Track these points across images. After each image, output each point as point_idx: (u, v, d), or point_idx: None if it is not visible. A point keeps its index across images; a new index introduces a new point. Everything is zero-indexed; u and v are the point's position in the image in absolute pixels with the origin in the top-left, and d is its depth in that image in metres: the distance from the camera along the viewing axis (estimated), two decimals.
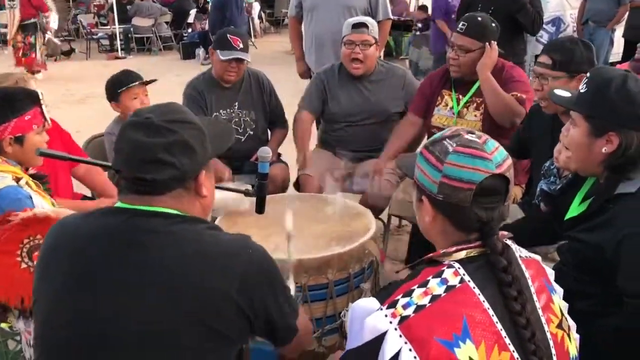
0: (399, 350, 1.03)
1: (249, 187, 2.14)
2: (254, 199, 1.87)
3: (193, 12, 12.67)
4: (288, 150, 3.33)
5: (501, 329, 1.09)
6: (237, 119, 3.14)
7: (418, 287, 1.10)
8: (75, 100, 7.79)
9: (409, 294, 1.09)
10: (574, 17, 6.91)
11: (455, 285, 1.10)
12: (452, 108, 2.80)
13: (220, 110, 3.12)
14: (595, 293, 1.60)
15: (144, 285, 1.11)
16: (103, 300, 1.11)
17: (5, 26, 8.63)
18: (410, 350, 1.03)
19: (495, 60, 2.64)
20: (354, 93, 3.09)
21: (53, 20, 8.49)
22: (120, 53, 11.61)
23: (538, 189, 2.16)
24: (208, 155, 1.24)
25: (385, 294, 1.12)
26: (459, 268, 1.13)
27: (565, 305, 1.27)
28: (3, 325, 1.75)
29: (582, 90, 1.60)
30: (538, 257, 1.28)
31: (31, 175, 1.90)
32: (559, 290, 1.28)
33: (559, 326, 1.19)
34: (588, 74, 1.61)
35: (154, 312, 1.10)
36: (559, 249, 1.79)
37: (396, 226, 3.73)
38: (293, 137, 3.15)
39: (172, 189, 1.18)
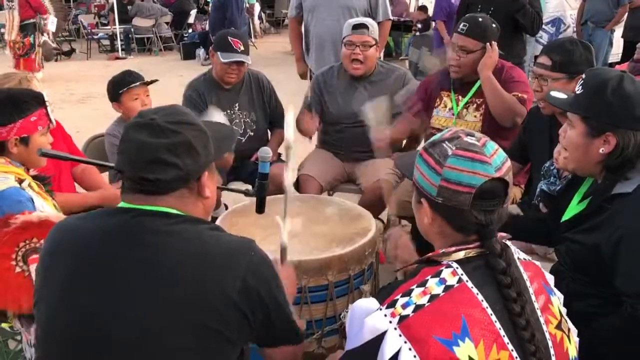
0: (399, 350, 1.04)
1: (249, 187, 2.15)
2: (248, 204, 1.86)
3: (193, 12, 12.67)
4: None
5: (500, 328, 1.09)
6: (237, 120, 3.15)
7: (417, 287, 1.11)
8: (76, 100, 7.79)
9: (408, 293, 1.10)
10: (574, 17, 6.92)
11: (453, 285, 1.11)
12: (451, 109, 2.80)
13: (221, 111, 3.12)
14: (593, 293, 1.61)
15: (146, 285, 1.12)
16: (104, 301, 1.12)
17: (4, 26, 8.61)
18: (409, 349, 1.04)
19: (496, 60, 2.65)
20: (354, 93, 3.10)
21: (51, 22, 8.46)
22: (120, 53, 11.61)
23: (538, 190, 2.17)
24: (211, 156, 1.25)
25: (384, 294, 1.12)
26: (457, 268, 1.14)
27: (564, 310, 1.28)
28: (4, 325, 1.75)
29: (578, 92, 1.60)
30: (538, 263, 1.28)
31: (33, 177, 1.91)
32: (560, 296, 1.28)
33: (558, 327, 1.20)
34: (584, 75, 1.61)
35: (155, 313, 1.10)
36: (557, 250, 1.80)
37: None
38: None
39: (176, 189, 1.19)
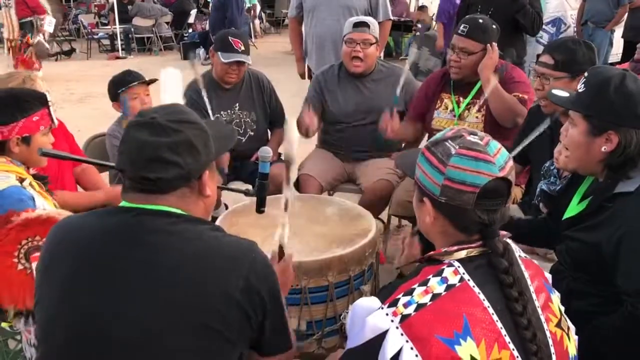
0: (401, 349, 1.04)
1: (249, 187, 2.15)
2: (248, 203, 1.86)
3: (193, 12, 12.67)
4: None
5: (501, 328, 1.09)
6: (237, 120, 3.15)
7: (419, 286, 1.11)
8: (76, 99, 7.79)
9: (409, 292, 1.10)
10: (575, 17, 6.92)
11: (455, 284, 1.11)
12: (452, 110, 2.80)
13: (221, 111, 3.12)
14: (593, 292, 1.61)
15: (146, 286, 1.11)
16: (105, 301, 1.12)
17: (2, 25, 8.57)
18: (411, 348, 1.04)
19: (496, 60, 2.65)
20: (354, 92, 3.10)
21: (48, 23, 8.42)
22: (120, 53, 11.61)
23: (538, 190, 2.16)
24: (211, 155, 1.25)
25: (386, 293, 1.12)
26: (458, 267, 1.13)
27: (562, 309, 1.27)
28: (4, 324, 1.75)
29: (580, 90, 1.60)
30: (535, 262, 1.28)
31: (33, 176, 1.91)
32: (557, 294, 1.28)
33: (558, 325, 1.20)
34: (586, 74, 1.61)
35: (156, 314, 1.10)
36: (558, 249, 1.80)
37: (396, 226, 3.74)
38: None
39: (177, 188, 1.19)
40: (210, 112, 2.89)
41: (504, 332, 1.09)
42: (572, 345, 1.22)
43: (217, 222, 2.11)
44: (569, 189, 1.81)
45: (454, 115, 2.79)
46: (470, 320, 1.06)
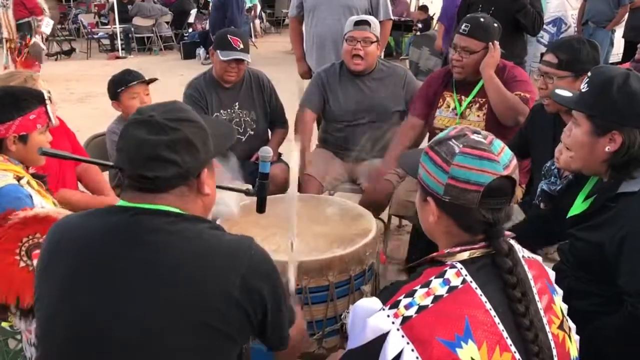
0: (401, 351, 1.03)
1: (250, 187, 2.14)
2: (248, 203, 1.86)
3: (193, 12, 12.67)
4: (288, 150, 3.33)
5: (503, 330, 1.08)
6: (237, 119, 3.15)
7: (420, 288, 1.10)
8: (76, 99, 7.79)
9: (411, 294, 1.09)
10: (576, 17, 6.92)
11: (457, 286, 1.10)
12: (454, 109, 2.80)
13: (221, 111, 3.12)
14: (595, 292, 1.60)
15: (146, 285, 1.11)
16: (105, 301, 1.11)
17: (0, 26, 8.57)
18: (412, 350, 1.03)
19: (498, 59, 2.65)
20: (355, 91, 3.10)
21: (46, 24, 8.41)
22: (120, 53, 11.61)
23: (539, 189, 2.16)
24: (210, 153, 1.24)
25: (387, 294, 1.11)
26: (461, 269, 1.13)
27: (565, 307, 1.27)
28: (4, 324, 1.74)
29: (583, 90, 1.59)
30: (539, 258, 1.28)
31: (32, 175, 1.90)
32: (559, 292, 1.27)
33: (560, 327, 1.19)
34: (589, 73, 1.60)
35: (156, 313, 1.09)
36: (560, 249, 1.79)
37: (396, 226, 3.73)
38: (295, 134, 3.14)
39: (175, 186, 1.18)
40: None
41: (505, 334, 1.08)
42: (573, 347, 1.22)
43: (218, 222, 2.10)
44: (570, 188, 1.81)
45: (456, 114, 2.79)
46: (472, 322, 1.06)
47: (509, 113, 2.60)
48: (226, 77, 3.07)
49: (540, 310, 1.16)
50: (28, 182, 1.83)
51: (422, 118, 2.93)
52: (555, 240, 1.82)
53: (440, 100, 2.85)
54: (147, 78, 2.85)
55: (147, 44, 12.22)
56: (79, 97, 7.87)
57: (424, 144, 3.24)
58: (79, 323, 1.11)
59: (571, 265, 1.68)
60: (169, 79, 7.52)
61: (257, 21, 14.13)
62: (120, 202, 1.20)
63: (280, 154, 3.26)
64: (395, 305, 1.08)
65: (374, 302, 1.11)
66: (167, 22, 12.42)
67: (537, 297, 1.17)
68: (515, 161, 1.16)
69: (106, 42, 12.41)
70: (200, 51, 10.90)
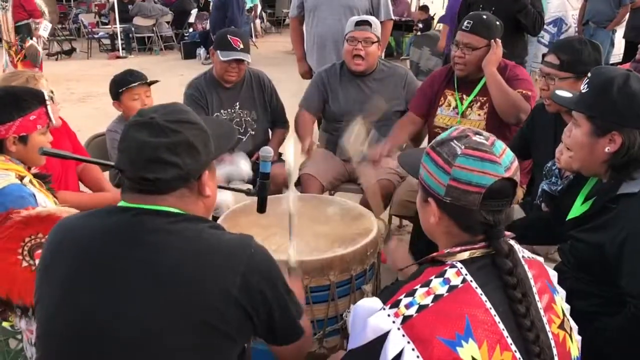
0: (402, 350, 1.04)
1: (250, 187, 2.14)
2: (249, 203, 1.86)
3: (194, 12, 12.67)
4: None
5: (503, 329, 1.09)
6: (238, 119, 3.15)
7: (421, 287, 1.10)
8: (76, 99, 7.79)
9: (411, 293, 1.09)
10: (576, 17, 6.91)
11: (457, 285, 1.10)
12: (455, 108, 2.80)
13: (222, 110, 3.12)
14: (596, 293, 1.60)
15: (146, 285, 1.11)
16: (105, 301, 1.11)
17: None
18: (413, 349, 1.03)
19: (500, 56, 2.65)
20: (355, 91, 3.10)
21: (44, 28, 8.38)
22: (121, 52, 11.61)
23: (540, 190, 2.16)
24: (211, 155, 1.24)
25: (388, 294, 1.12)
26: (461, 268, 1.13)
27: (567, 307, 1.27)
28: (5, 324, 1.74)
29: (583, 90, 1.59)
30: (540, 259, 1.28)
31: (34, 175, 1.90)
32: (562, 292, 1.28)
33: (561, 327, 1.19)
34: (589, 74, 1.60)
35: (156, 313, 1.10)
36: (560, 249, 1.79)
37: (397, 226, 3.73)
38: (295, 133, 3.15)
39: (176, 188, 1.18)
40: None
41: (506, 333, 1.09)
42: (574, 347, 1.22)
43: (219, 222, 2.10)
44: (571, 189, 1.81)
45: (457, 113, 2.79)
46: (472, 321, 1.06)
47: (511, 110, 2.60)
48: (227, 77, 3.07)
49: (540, 310, 1.16)
50: (30, 182, 1.83)
51: (421, 115, 2.93)
52: (556, 241, 1.81)
53: (442, 98, 2.85)
54: (148, 79, 2.85)
55: (147, 44, 12.21)
56: (80, 97, 7.87)
57: (424, 144, 3.26)
58: (79, 322, 1.12)
59: (572, 266, 1.68)
60: (169, 79, 7.52)
61: (258, 21, 14.13)
62: (121, 203, 1.20)
63: (280, 154, 3.26)
64: (396, 304, 1.08)
65: (374, 302, 1.11)
66: (168, 22, 12.42)
67: (537, 297, 1.17)
68: (516, 162, 1.16)
69: (107, 41, 12.41)
70: (201, 51, 10.90)
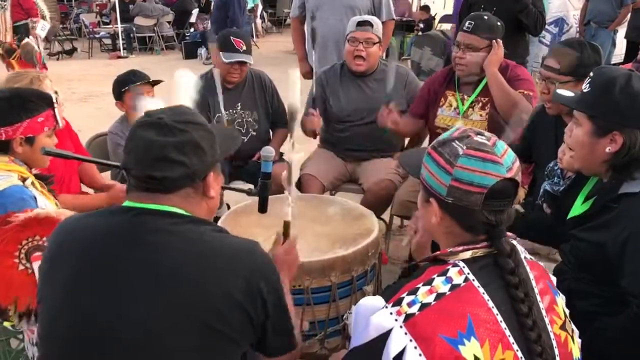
0: (404, 348, 1.04)
1: (252, 187, 2.14)
2: (250, 203, 1.86)
3: (195, 11, 12.68)
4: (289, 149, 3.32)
5: (505, 328, 1.09)
6: (239, 120, 3.15)
7: (423, 285, 1.10)
8: (77, 99, 7.80)
9: (414, 292, 1.09)
10: (577, 18, 6.91)
11: (459, 284, 1.10)
12: (456, 108, 2.80)
13: (223, 111, 3.12)
14: (596, 293, 1.60)
15: (148, 286, 1.11)
16: (107, 302, 1.12)
17: None
18: (415, 347, 1.04)
19: (501, 57, 2.65)
20: (356, 91, 3.10)
21: (41, 27, 8.36)
22: (122, 52, 11.62)
23: (542, 190, 2.16)
24: (217, 156, 1.25)
25: (390, 292, 1.12)
26: (463, 267, 1.13)
27: (568, 311, 1.27)
28: (6, 323, 1.74)
29: (585, 90, 1.59)
30: (541, 264, 1.28)
31: (35, 176, 1.90)
32: (562, 296, 1.27)
33: (562, 327, 1.19)
34: (591, 74, 1.60)
35: (158, 314, 1.10)
36: (561, 249, 1.79)
37: (398, 226, 3.73)
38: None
39: (181, 188, 1.19)
40: (221, 105, 2.92)
41: (508, 332, 1.09)
42: (576, 348, 1.22)
43: (220, 223, 2.10)
44: (572, 189, 1.80)
45: (458, 113, 2.79)
46: (475, 320, 1.06)
47: (512, 110, 2.60)
48: (229, 78, 3.08)
49: (542, 310, 1.16)
50: (32, 183, 1.83)
51: (423, 117, 2.93)
52: (557, 242, 1.81)
53: (442, 99, 2.84)
54: (151, 79, 2.85)
55: (148, 44, 12.22)
56: (81, 97, 7.88)
57: (424, 144, 3.25)
58: (80, 323, 1.12)
59: (572, 266, 1.68)
60: (170, 79, 7.50)
61: (259, 21, 14.13)
62: (126, 203, 1.21)
63: (281, 154, 3.26)
64: (398, 302, 1.08)
65: (377, 300, 1.11)
66: (169, 22, 12.43)
67: (538, 298, 1.17)
68: (518, 163, 1.17)
69: (108, 41, 12.41)
70: (202, 51, 10.90)
